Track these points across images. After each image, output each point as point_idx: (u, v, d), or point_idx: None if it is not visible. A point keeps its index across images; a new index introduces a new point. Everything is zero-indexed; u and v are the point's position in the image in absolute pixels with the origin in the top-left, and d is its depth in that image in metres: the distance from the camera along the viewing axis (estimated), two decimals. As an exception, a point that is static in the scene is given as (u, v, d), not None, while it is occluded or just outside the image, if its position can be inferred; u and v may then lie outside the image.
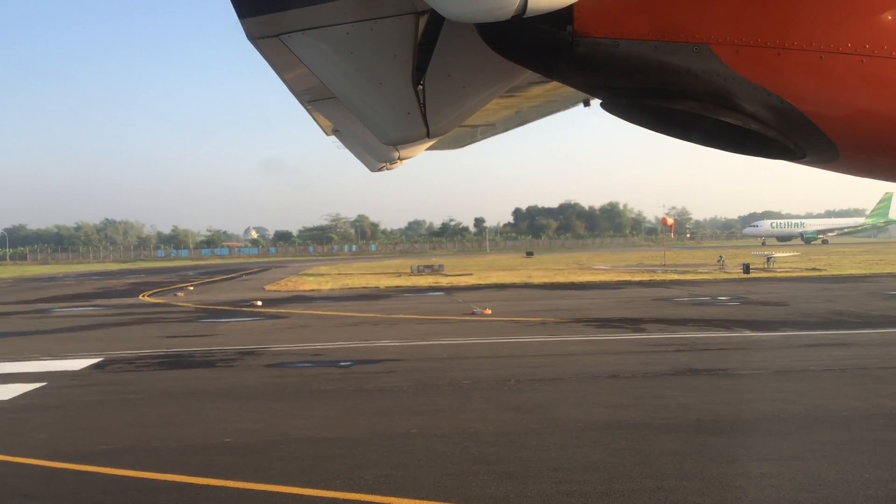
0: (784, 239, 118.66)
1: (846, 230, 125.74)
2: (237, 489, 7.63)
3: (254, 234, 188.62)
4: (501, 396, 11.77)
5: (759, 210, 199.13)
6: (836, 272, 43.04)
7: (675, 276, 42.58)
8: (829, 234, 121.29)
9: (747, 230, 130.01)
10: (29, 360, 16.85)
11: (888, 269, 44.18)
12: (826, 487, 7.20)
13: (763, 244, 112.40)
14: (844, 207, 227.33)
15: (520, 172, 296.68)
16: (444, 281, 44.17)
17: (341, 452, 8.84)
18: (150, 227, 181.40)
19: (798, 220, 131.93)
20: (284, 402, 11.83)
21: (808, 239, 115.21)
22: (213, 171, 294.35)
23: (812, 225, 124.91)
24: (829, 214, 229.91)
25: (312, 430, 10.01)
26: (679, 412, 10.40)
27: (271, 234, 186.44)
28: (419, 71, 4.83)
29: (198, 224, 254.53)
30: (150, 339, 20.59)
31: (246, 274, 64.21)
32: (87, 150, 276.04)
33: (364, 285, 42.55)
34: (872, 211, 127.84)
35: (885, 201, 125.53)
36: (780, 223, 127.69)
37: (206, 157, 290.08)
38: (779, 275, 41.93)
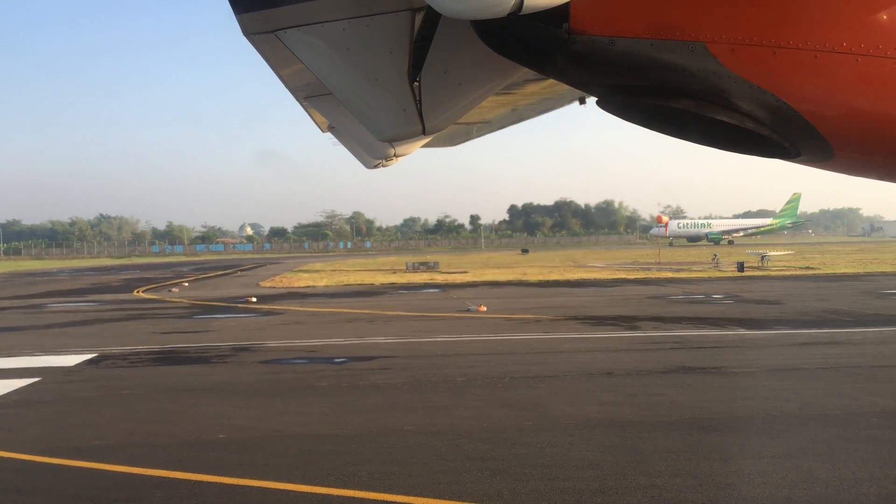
0: (693, 239, 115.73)
1: (751, 231, 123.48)
2: (231, 485, 7.63)
3: (249, 231, 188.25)
4: (496, 393, 11.78)
5: (755, 209, 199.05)
6: (829, 271, 43.19)
7: (670, 275, 42.67)
8: (736, 234, 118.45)
9: (654, 230, 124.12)
10: (23, 356, 16.80)
11: (881, 269, 44.35)
12: (819, 485, 7.24)
13: (671, 245, 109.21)
14: (839, 206, 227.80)
15: (515, 170, 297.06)
16: (439, 278, 44.15)
17: (335, 449, 8.84)
18: (145, 223, 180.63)
19: (704, 221, 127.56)
20: (279, 399, 11.82)
21: (713, 239, 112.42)
22: (209, 167, 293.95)
23: (718, 225, 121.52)
24: (824, 213, 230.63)
25: (307, 426, 10.01)
26: (673, 410, 10.43)
27: (266, 230, 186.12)
28: (415, 68, 4.82)
29: (192, 220, 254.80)
30: (145, 334, 20.55)
31: (241, 270, 64.08)
32: (81, 146, 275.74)
33: (359, 282, 42.52)
34: (781, 211, 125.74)
35: (794, 202, 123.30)
36: (687, 223, 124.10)
37: (201, 153, 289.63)
38: (773, 273, 42.04)
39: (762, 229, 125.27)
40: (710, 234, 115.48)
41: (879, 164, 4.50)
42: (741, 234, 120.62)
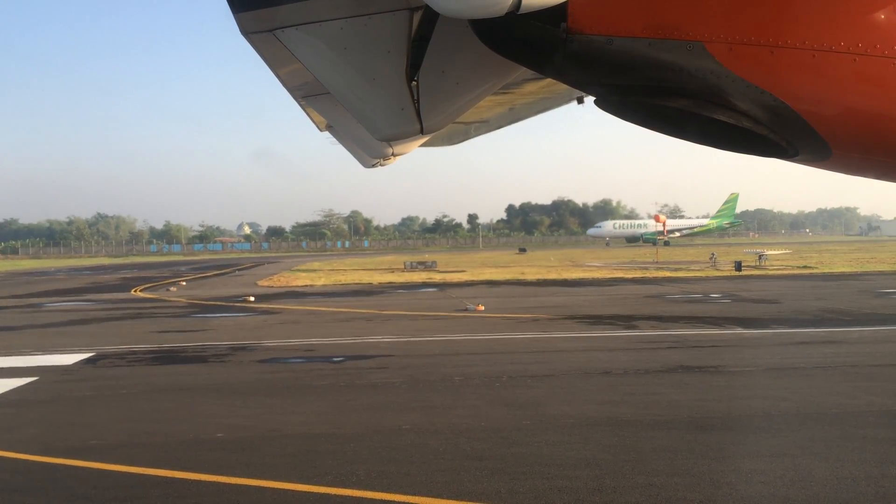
0: (631, 240, 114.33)
1: (686, 231, 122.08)
2: (228, 485, 7.62)
3: (247, 230, 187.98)
4: (493, 393, 11.79)
5: (752, 208, 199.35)
6: (827, 270, 43.23)
7: (668, 274, 42.71)
8: (672, 235, 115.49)
9: (591, 231, 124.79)
10: (20, 355, 16.78)
11: (879, 268, 44.40)
12: (816, 484, 7.25)
13: (608, 245, 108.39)
14: (837, 206, 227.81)
15: (513, 169, 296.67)
16: (436, 277, 44.14)
17: (333, 448, 8.84)
18: (143, 222, 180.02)
19: (641, 222, 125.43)
20: (276, 398, 11.82)
21: (649, 240, 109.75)
22: (206, 166, 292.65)
23: (655, 226, 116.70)
24: (821, 213, 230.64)
25: (304, 425, 10.01)
26: (670, 409, 10.44)
27: (264, 229, 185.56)
28: (413, 67, 4.82)
29: (190, 219, 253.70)
30: (142, 334, 20.53)
31: (238, 269, 64.01)
32: (79, 145, 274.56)
33: (357, 281, 42.50)
34: (718, 211, 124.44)
35: (731, 202, 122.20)
36: (624, 224, 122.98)
37: (199, 153, 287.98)
38: (770, 272, 42.08)
39: (697, 230, 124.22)
40: (646, 234, 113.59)
41: (877, 164, 4.51)
42: (678, 234, 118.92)
